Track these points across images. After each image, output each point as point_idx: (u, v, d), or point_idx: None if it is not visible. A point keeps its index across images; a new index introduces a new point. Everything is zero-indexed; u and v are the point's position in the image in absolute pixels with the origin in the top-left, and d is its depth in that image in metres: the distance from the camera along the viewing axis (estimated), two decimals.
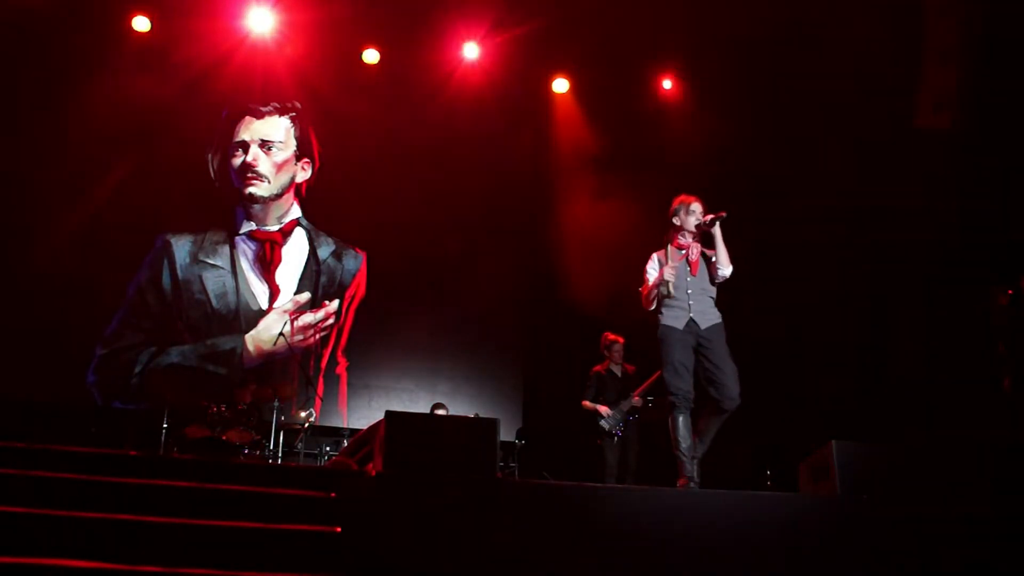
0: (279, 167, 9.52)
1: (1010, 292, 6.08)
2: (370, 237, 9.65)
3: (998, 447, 5.31)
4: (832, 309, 8.22)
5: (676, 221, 5.73)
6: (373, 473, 4.71)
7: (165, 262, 9.07)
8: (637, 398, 7.45)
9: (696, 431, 5.51)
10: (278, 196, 9.50)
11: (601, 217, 9.49)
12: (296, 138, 9.67)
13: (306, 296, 9.35)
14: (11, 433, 6.33)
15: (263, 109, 9.59)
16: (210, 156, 9.44)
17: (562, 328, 9.30)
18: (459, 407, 8.67)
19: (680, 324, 5.55)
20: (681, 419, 5.45)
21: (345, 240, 9.67)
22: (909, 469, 4.91)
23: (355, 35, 9.69)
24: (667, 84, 10.01)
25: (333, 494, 4.43)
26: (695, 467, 5.45)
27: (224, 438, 7.41)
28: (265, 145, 9.50)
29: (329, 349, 9.27)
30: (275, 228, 9.47)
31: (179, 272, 9.06)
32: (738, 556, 4.56)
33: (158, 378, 8.65)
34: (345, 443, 8.36)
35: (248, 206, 9.42)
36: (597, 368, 7.72)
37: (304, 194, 9.65)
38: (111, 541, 3.86)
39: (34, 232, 8.72)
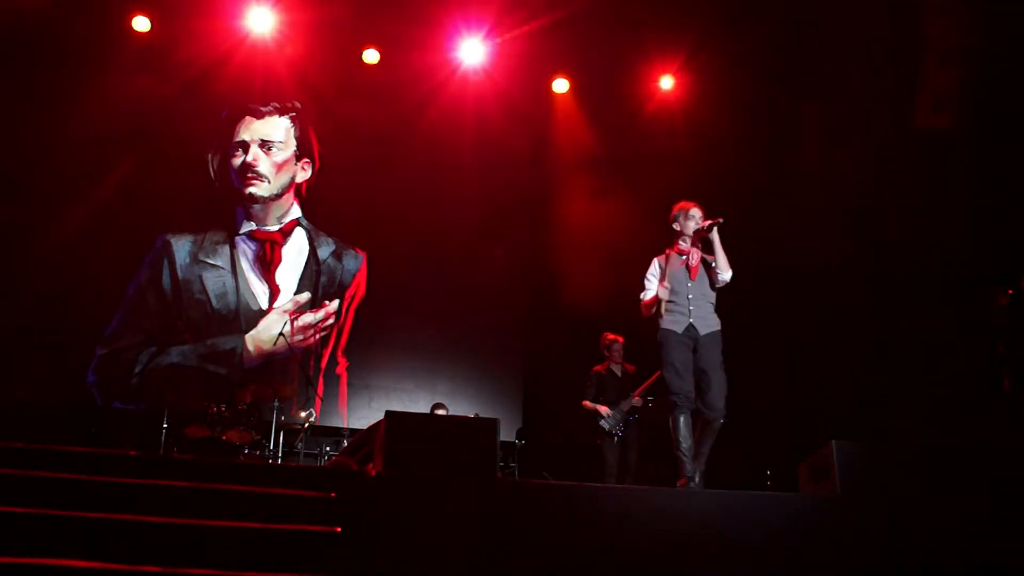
0: (279, 167, 9.52)
1: (1010, 292, 6.08)
2: (370, 237, 9.65)
3: (998, 447, 5.31)
4: (832, 309, 8.22)
5: (676, 227, 5.83)
6: (373, 473, 4.71)
7: (165, 262, 9.07)
8: (637, 398, 7.45)
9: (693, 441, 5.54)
10: (278, 196, 9.51)
11: (601, 217, 9.49)
12: (296, 138, 9.67)
13: (306, 296, 9.36)
14: (11, 433, 6.34)
15: (263, 109, 9.59)
16: (210, 156, 9.44)
17: (562, 328, 9.29)
18: (459, 407, 8.67)
19: (679, 328, 5.63)
20: (682, 419, 5.48)
21: (345, 240, 9.67)
22: (909, 469, 4.91)
23: (355, 35, 9.69)
24: (666, 84, 9.99)
25: (333, 494, 4.43)
26: (696, 473, 5.47)
27: (224, 438, 7.41)
28: (265, 145, 9.50)
29: (329, 349, 9.27)
30: (275, 228, 9.47)
31: (179, 272, 9.06)
32: (738, 556, 4.56)
33: (158, 378, 8.65)
34: (345, 443, 8.36)
35: (248, 206, 9.42)
36: (597, 368, 7.72)
37: (304, 194, 9.65)
38: (111, 541, 3.86)
39: (34, 232, 8.71)
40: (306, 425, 8.14)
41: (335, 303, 9.43)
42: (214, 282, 9.12)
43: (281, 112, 9.65)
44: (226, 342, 8.97)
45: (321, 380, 9.13)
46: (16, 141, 8.76)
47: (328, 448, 8.42)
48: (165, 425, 7.67)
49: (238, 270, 9.22)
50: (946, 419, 6.60)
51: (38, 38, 8.92)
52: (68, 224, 8.82)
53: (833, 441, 4.93)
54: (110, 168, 9.08)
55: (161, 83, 9.19)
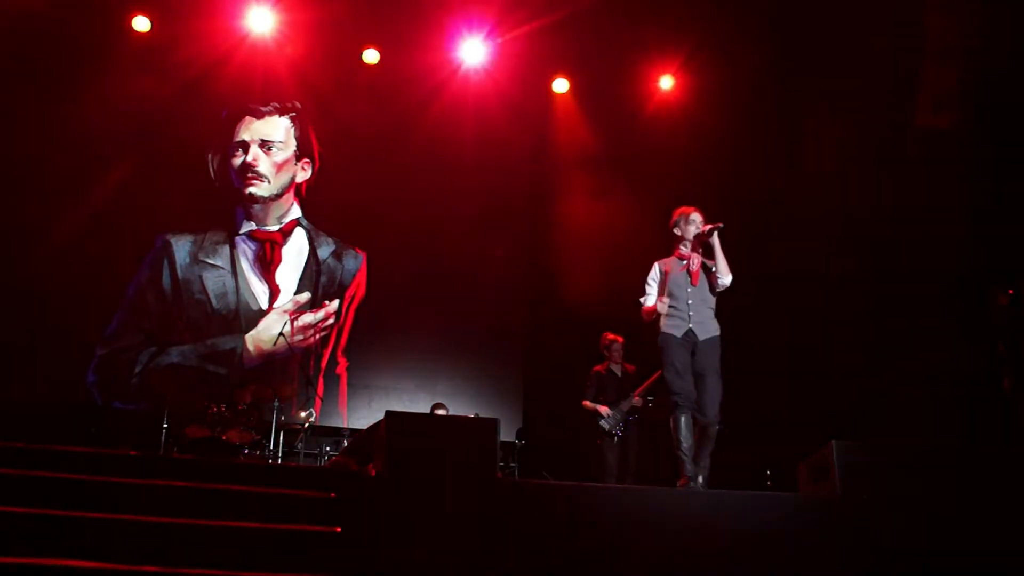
0: (279, 167, 9.52)
1: (1010, 292, 6.08)
2: (370, 237, 9.65)
3: (998, 447, 5.31)
4: (832, 308, 8.22)
5: (677, 232, 5.89)
6: (373, 473, 4.71)
7: (165, 262, 9.07)
8: (637, 398, 7.45)
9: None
10: (278, 196, 9.50)
11: (601, 217, 9.50)
12: (296, 138, 9.67)
13: (306, 296, 9.35)
14: (11, 433, 6.33)
15: (263, 109, 9.59)
16: (210, 156, 9.44)
17: (562, 328, 9.29)
18: (459, 407, 8.66)
19: (679, 333, 5.69)
20: (683, 419, 5.51)
21: (345, 240, 9.67)
22: (909, 469, 4.91)
23: (355, 35, 9.69)
24: (666, 84, 9.99)
25: (333, 494, 4.43)
26: (700, 476, 5.48)
27: (224, 438, 7.41)
28: (265, 145, 9.50)
29: (329, 349, 9.27)
30: (275, 228, 9.47)
31: (179, 272, 9.05)
32: (738, 556, 4.56)
33: (158, 378, 8.65)
34: (345, 443, 8.37)
35: (248, 206, 9.42)
36: (597, 368, 7.72)
37: (304, 194, 9.65)
38: (111, 541, 3.86)
39: (34, 232, 8.71)
40: (306, 425, 8.14)
41: (335, 303, 9.43)
42: (214, 282, 9.12)
43: (281, 112, 9.65)
44: (226, 342, 8.97)
45: (321, 380, 9.13)
46: (16, 141, 8.76)
47: (328, 448, 8.41)
48: (165, 425, 7.67)
49: (238, 270, 9.22)
50: (946, 419, 6.61)
51: (38, 38, 8.92)
52: (68, 224, 8.81)
53: (833, 441, 4.94)
54: (110, 168, 9.07)
55: (161, 83, 9.19)
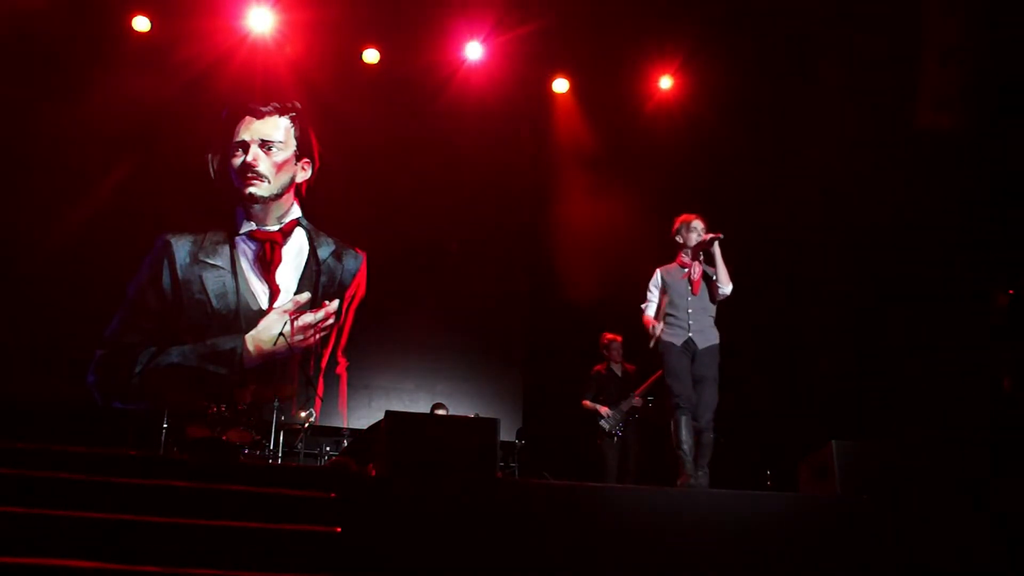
0: (279, 167, 9.52)
1: (1010, 292, 6.08)
2: (370, 237, 9.65)
3: (998, 447, 5.31)
4: (833, 308, 8.22)
5: (679, 239, 5.93)
6: (373, 473, 4.71)
7: (165, 262, 9.06)
8: (637, 398, 7.45)
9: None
10: (278, 196, 9.50)
11: (601, 216, 9.49)
12: (296, 138, 9.66)
13: (306, 296, 9.35)
14: (11, 433, 6.33)
15: (263, 109, 9.58)
16: (210, 156, 9.43)
17: (562, 328, 9.29)
18: (459, 407, 8.66)
19: (678, 341, 5.74)
20: (683, 419, 5.55)
21: (345, 240, 9.66)
22: (909, 469, 4.91)
23: (355, 35, 9.68)
24: (665, 84, 9.99)
25: (333, 494, 4.43)
26: (702, 476, 5.50)
27: (224, 438, 7.40)
28: (265, 145, 9.50)
29: (329, 349, 9.27)
30: (275, 228, 9.47)
31: (179, 272, 9.05)
32: (738, 556, 4.57)
33: (158, 378, 8.65)
34: (345, 443, 8.37)
35: (248, 206, 9.42)
36: (597, 367, 7.73)
37: (304, 194, 9.65)
38: (111, 541, 3.86)
39: (34, 232, 8.71)
40: (306, 425, 8.14)
41: (335, 303, 9.43)
42: (214, 282, 9.11)
43: (281, 112, 9.64)
44: (226, 342, 8.97)
45: (321, 380, 9.13)
46: (16, 141, 8.76)
47: (328, 448, 8.41)
48: (165, 425, 7.67)
49: (238, 270, 9.22)
50: (946, 419, 6.61)
51: (38, 38, 8.91)
52: (68, 224, 8.81)
53: (833, 441, 4.94)
54: (110, 168, 9.06)
55: (161, 83, 9.18)
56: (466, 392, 9.33)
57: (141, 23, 9.26)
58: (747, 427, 7.84)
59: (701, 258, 5.82)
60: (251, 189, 9.39)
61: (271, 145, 9.51)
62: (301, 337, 9.12)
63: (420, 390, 9.26)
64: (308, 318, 9.25)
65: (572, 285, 9.33)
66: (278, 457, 7.71)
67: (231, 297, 9.10)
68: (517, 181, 9.94)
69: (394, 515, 4.30)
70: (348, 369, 9.29)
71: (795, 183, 8.95)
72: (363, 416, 8.90)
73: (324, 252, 9.57)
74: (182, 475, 4.51)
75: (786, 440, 7.73)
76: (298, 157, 9.64)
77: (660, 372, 6.16)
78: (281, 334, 8.85)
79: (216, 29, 9.35)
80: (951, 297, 6.89)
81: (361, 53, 9.78)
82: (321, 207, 9.64)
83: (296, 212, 9.58)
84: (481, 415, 7.82)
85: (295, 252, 9.49)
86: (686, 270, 5.81)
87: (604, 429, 7.40)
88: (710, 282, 5.77)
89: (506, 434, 7.92)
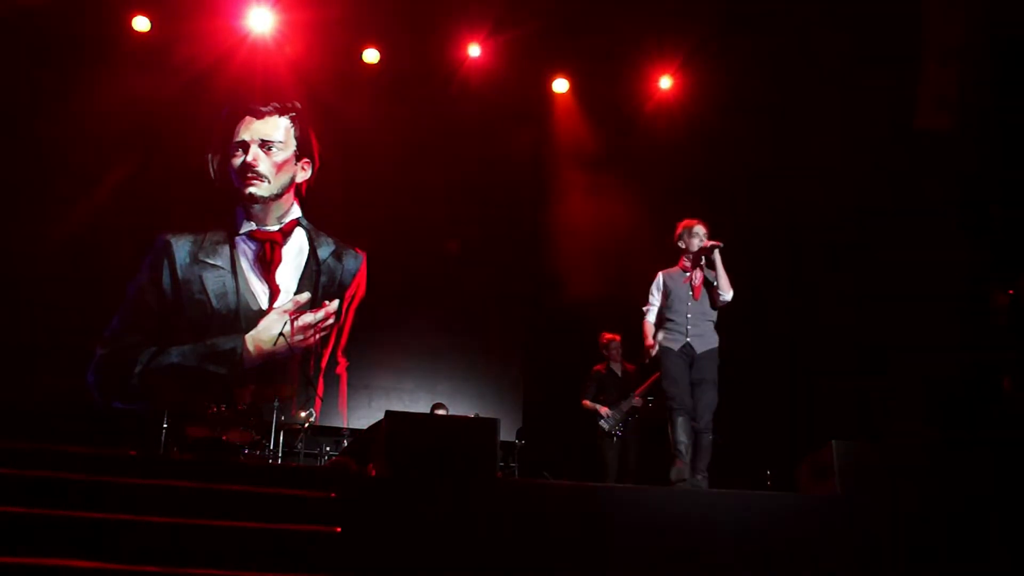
0: (279, 167, 9.52)
1: (1010, 292, 6.08)
2: (370, 237, 9.65)
3: (998, 447, 5.31)
4: (833, 308, 8.22)
5: (681, 244, 5.97)
6: (373, 473, 4.72)
7: (165, 262, 9.06)
8: (637, 398, 7.45)
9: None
10: (278, 196, 9.50)
11: (601, 216, 9.50)
12: (296, 138, 9.66)
13: (306, 296, 9.35)
14: (11, 433, 6.34)
15: (263, 109, 9.58)
16: (210, 156, 9.43)
17: (562, 328, 9.29)
18: (459, 407, 8.66)
19: (676, 346, 5.79)
20: (680, 420, 5.60)
21: (345, 240, 9.66)
22: (909, 469, 4.91)
23: (355, 35, 9.68)
24: (665, 84, 9.99)
25: (333, 494, 4.43)
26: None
27: (224, 438, 7.40)
28: (265, 145, 9.50)
29: (329, 349, 9.27)
30: (275, 228, 9.47)
31: (179, 272, 9.05)
32: (738, 556, 4.57)
33: (158, 378, 8.64)
34: (345, 443, 8.37)
35: (248, 206, 9.42)
36: (597, 367, 7.73)
37: (304, 194, 9.64)
38: (111, 541, 3.86)
39: (35, 232, 8.70)
40: (306, 425, 8.14)
41: (335, 303, 9.43)
42: (214, 282, 9.11)
43: (281, 112, 9.64)
44: (226, 342, 8.97)
45: (321, 380, 9.13)
46: (16, 141, 8.75)
47: (328, 448, 8.41)
48: (165, 425, 7.67)
49: (238, 270, 9.22)
50: (946, 419, 6.61)
51: (38, 38, 8.91)
52: (68, 224, 8.81)
53: (833, 441, 4.94)
54: (110, 168, 9.06)
55: (161, 83, 9.17)
56: (466, 392, 9.33)
57: (141, 23, 9.25)
58: (747, 427, 7.84)
59: (702, 263, 5.84)
60: (251, 189, 9.39)
61: (271, 145, 9.51)
62: (301, 337, 9.13)
63: (420, 390, 9.26)
64: (308, 318, 9.25)
65: (572, 285, 9.33)
66: (278, 457, 7.71)
67: (231, 297, 9.10)
68: (517, 181, 9.93)
69: (394, 515, 4.30)
70: (348, 369, 9.29)
71: (795, 183, 8.95)
72: (363, 416, 8.90)
73: (324, 252, 9.57)
74: (182, 475, 4.51)
75: (786, 440, 7.74)
76: (298, 157, 9.64)
77: (659, 373, 6.17)
78: (281, 334, 8.85)
79: (216, 29, 9.34)
80: (951, 297, 6.90)
81: (361, 53, 9.77)
82: (321, 207, 9.64)
83: (296, 212, 9.58)
84: (481, 415, 7.82)
85: (295, 252, 9.49)
86: (687, 275, 5.84)
87: (604, 429, 7.40)
88: (711, 288, 5.80)
89: (506, 434, 7.93)
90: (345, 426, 8.94)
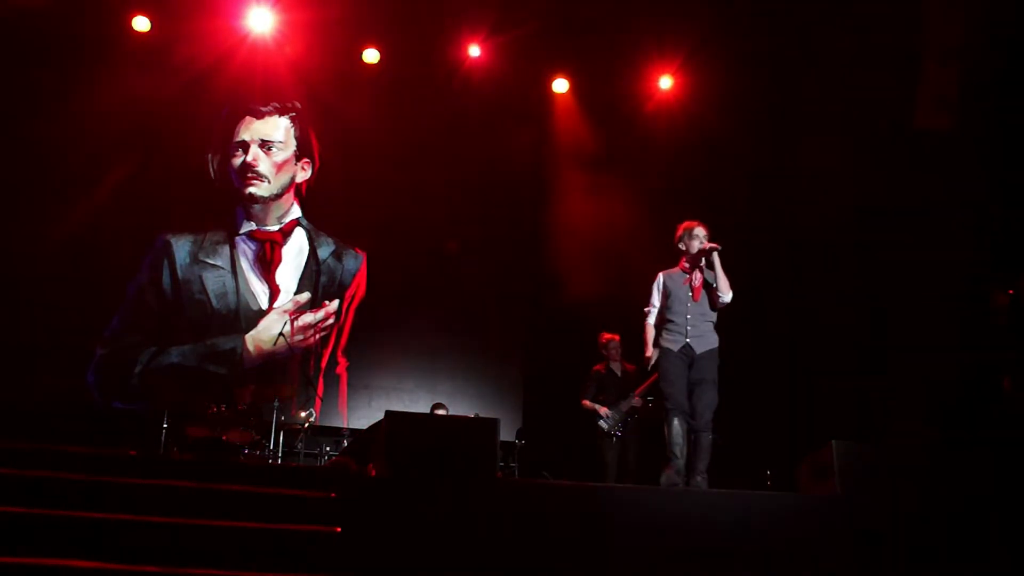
0: (279, 167, 9.51)
1: (1010, 292, 6.09)
2: (370, 237, 9.65)
3: (998, 447, 5.31)
4: (833, 308, 8.22)
5: (681, 246, 6.01)
6: (373, 473, 4.72)
7: (165, 262, 9.06)
8: (637, 398, 7.45)
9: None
10: (278, 196, 9.50)
11: (601, 216, 9.50)
12: (296, 138, 9.66)
13: (306, 296, 9.35)
14: (11, 433, 6.34)
15: (263, 109, 9.57)
16: (210, 156, 9.43)
17: (562, 328, 9.29)
18: (459, 407, 8.66)
19: (676, 347, 5.81)
20: (675, 423, 5.63)
21: (345, 240, 9.66)
22: (909, 469, 4.91)
23: (355, 35, 9.68)
24: (665, 84, 9.99)
25: (333, 494, 4.43)
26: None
27: (224, 438, 7.40)
28: (265, 145, 9.49)
29: (329, 349, 9.27)
30: (275, 228, 9.46)
31: (179, 272, 9.05)
32: (738, 556, 4.57)
33: (158, 378, 8.64)
34: (345, 443, 8.37)
35: (248, 206, 9.41)
36: (597, 367, 7.73)
37: (304, 194, 9.64)
38: (111, 541, 3.86)
39: (35, 232, 8.70)
40: (306, 425, 8.14)
41: (335, 303, 9.43)
42: (214, 282, 9.11)
43: (281, 112, 9.64)
44: (226, 342, 8.97)
45: (321, 380, 9.13)
46: (16, 141, 8.75)
47: (328, 448, 8.41)
48: (165, 425, 7.67)
49: (238, 270, 9.22)
50: (946, 419, 6.61)
51: (38, 38, 8.91)
52: (68, 224, 8.81)
53: (833, 441, 4.94)
54: (110, 168, 9.06)
55: (161, 83, 9.17)
56: (466, 392, 9.33)
57: (141, 23, 9.25)
58: (747, 427, 7.84)
59: (702, 264, 5.87)
60: (251, 189, 9.38)
61: (271, 145, 9.51)
62: (301, 337, 9.12)
63: (420, 390, 9.26)
64: (308, 318, 9.25)
65: (572, 285, 9.33)
66: (278, 457, 7.71)
67: (231, 297, 9.10)
68: (517, 181, 9.93)
69: (394, 515, 4.30)
70: (348, 369, 9.29)
71: (795, 183, 8.95)
72: (363, 416, 8.90)
73: (324, 252, 9.57)
74: (182, 475, 4.51)
75: (786, 440, 7.74)
76: (298, 157, 9.64)
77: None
78: (281, 334, 8.85)
79: (216, 29, 9.34)
80: (951, 297, 6.90)
81: (361, 53, 9.77)
82: (321, 207, 9.63)
83: (296, 212, 9.58)
84: (481, 415, 7.82)
85: (295, 252, 9.49)
86: (687, 276, 5.88)
87: (603, 429, 7.40)
88: (711, 289, 5.83)
89: (506, 434, 7.93)
90: (345, 426, 8.94)
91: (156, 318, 8.90)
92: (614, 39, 9.56)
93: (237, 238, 9.32)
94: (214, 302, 9.04)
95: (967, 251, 6.87)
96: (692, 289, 5.83)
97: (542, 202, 9.94)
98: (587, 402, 7.54)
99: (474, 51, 9.74)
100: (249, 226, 9.38)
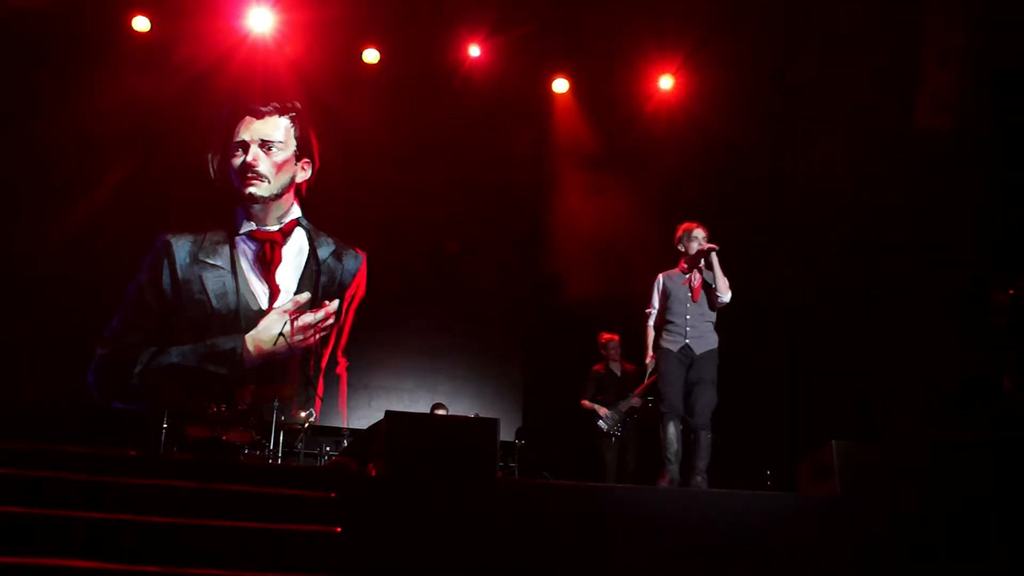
0: (279, 167, 9.51)
1: (1010, 292, 6.09)
2: (370, 237, 9.65)
3: (998, 447, 5.31)
4: (833, 308, 8.22)
5: (681, 248, 6.05)
6: (373, 473, 4.72)
7: (165, 262, 9.06)
8: (636, 398, 7.45)
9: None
10: (278, 196, 9.50)
11: (601, 216, 9.50)
12: (296, 138, 9.66)
13: (306, 296, 9.35)
14: (11, 433, 6.34)
15: (263, 109, 9.57)
16: (210, 156, 9.43)
17: (562, 328, 9.30)
18: (459, 407, 8.67)
19: (675, 348, 5.84)
20: (671, 426, 5.66)
21: (345, 240, 9.66)
22: (909, 469, 4.91)
23: (355, 35, 9.68)
24: (666, 84, 9.99)
25: (333, 494, 4.43)
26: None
27: (224, 438, 7.40)
28: (265, 145, 9.49)
29: (329, 349, 9.27)
30: (275, 228, 9.46)
31: (179, 272, 9.05)
32: (738, 556, 4.57)
33: (158, 378, 8.64)
34: (345, 443, 8.37)
35: (248, 206, 9.42)
36: (597, 367, 7.73)
37: (304, 194, 9.64)
38: (111, 541, 3.86)
39: (35, 232, 8.70)
40: (306, 425, 8.14)
41: (335, 303, 9.43)
42: (214, 282, 9.11)
43: (281, 112, 9.64)
44: (226, 342, 8.97)
45: (321, 380, 9.13)
46: (16, 141, 8.75)
47: (328, 448, 8.41)
48: (165, 425, 7.67)
49: (238, 270, 9.22)
50: (946, 419, 6.61)
51: (38, 38, 8.91)
52: (68, 224, 8.81)
53: (833, 441, 4.95)
54: (110, 168, 9.06)
55: (161, 83, 9.17)
56: (466, 392, 9.33)
57: (141, 23, 9.25)
58: (747, 427, 7.84)
59: (701, 265, 5.90)
60: (251, 189, 9.38)
61: (271, 145, 9.51)
62: (301, 337, 9.13)
63: (420, 390, 9.26)
64: (308, 318, 9.25)
65: (572, 285, 9.33)
66: (278, 457, 7.71)
67: (231, 297, 9.10)
68: (517, 181, 9.93)
69: (394, 515, 4.30)
70: (348, 369, 9.29)
71: (795, 183, 8.94)
72: (363, 416, 8.90)
73: (324, 252, 9.57)
74: (182, 475, 4.51)
75: (786, 440, 7.73)
76: (298, 157, 9.64)
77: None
78: (281, 334, 8.85)
79: (216, 29, 9.34)
80: (951, 297, 6.89)
81: (361, 53, 9.77)
82: (321, 207, 9.63)
83: (296, 212, 9.58)
84: (481, 415, 7.82)
85: (295, 252, 9.49)
86: (687, 276, 5.91)
87: (602, 429, 7.40)
88: (710, 290, 5.86)
89: (506, 434, 7.93)
90: (345, 426, 8.95)
91: (156, 318, 8.90)
92: (614, 39, 9.56)
93: (237, 238, 9.32)
94: (214, 302, 9.04)
95: (967, 251, 6.87)
96: (691, 290, 5.87)
97: (542, 202, 9.95)
98: (586, 402, 7.54)
99: (474, 51, 9.75)
100: (249, 226, 9.39)
